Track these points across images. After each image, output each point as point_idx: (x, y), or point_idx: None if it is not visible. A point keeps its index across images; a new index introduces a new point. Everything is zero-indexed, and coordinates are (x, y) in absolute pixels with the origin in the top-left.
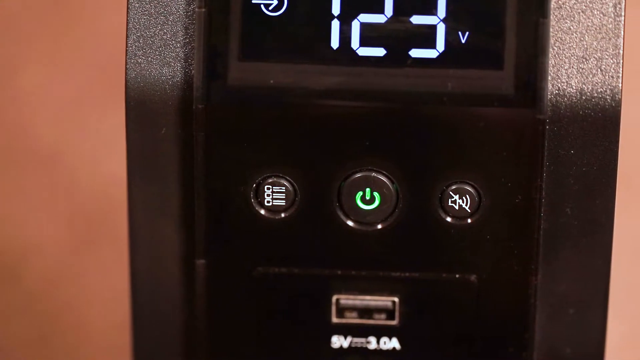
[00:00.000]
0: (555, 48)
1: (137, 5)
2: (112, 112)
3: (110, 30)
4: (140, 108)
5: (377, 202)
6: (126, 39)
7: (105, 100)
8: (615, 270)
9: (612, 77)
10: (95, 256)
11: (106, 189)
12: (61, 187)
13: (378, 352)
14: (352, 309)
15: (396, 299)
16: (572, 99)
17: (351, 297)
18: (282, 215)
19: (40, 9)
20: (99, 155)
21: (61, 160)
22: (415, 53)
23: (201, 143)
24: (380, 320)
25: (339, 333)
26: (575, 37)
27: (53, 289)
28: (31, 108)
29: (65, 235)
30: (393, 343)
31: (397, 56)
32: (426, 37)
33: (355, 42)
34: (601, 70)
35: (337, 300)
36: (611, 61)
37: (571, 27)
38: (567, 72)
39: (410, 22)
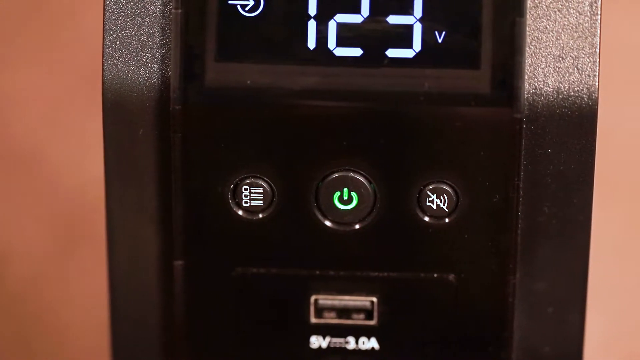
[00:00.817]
0: (532, 47)
1: (113, 6)
2: (95, 113)
3: (93, 32)
4: (118, 109)
5: (354, 202)
6: (103, 41)
7: (87, 101)
8: (594, 268)
9: (589, 75)
10: (77, 258)
11: (88, 191)
12: (43, 189)
13: (357, 352)
14: (331, 309)
15: (375, 299)
16: (549, 98)
17: (330, 297)
18: (260, 215)
19: (22, 11)
20: (81, 157)
21: (43, 162)
22: (392, 53)
23: (178, 144)
24: (358, 320)
25: (317, 333)
26: (552, 36)
27: (35, 291)
28: (13, 110)
29: (47, 237)
30: (372, 343)
31: (373, 56)
32: (403, 36)
33: (331, 43)
34: (578, 69)
35: (316, 300)
36: (588, 60)
37: (547, 26)
38: (544, 71)
39: (387, 22)
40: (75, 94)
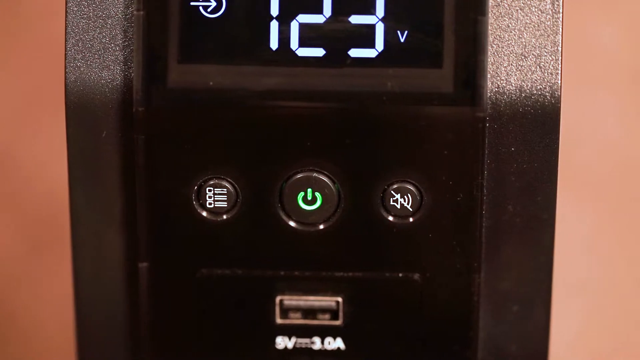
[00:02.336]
0: (494, 46)
1: (75, 9)
2: (63, 116)
3: (62, 34)
4: (80, 112)
5: (318, 203)
6: (65, 43)
7: (56, 103)
8: (561, 267)
9: (551, 74)
10: (48, 259)
11: (58, 193)
12: (13, 192)
13: (323, 352)
14: (296, 309)
15: (340, 299)
16: (511, 97)
17: (295, 297)
18: (224, 217)
19: None
20: (51, 159)
21: (12, 165)
22: (354, 53)
23: (142, 146)
24: (324, 320)
25: (283, 334)
26: (514, 35)
27: (7, 292)
28: None
29: (18, 240)
30: (337, 343)
31: (336, 56)
32: (365, 36)
33: (294, 43)
34: (540, 67)
35: (281, 301)
36: (550, 58)
37: (510, 25)
38: (507, 70)
39: (349, 22)
40: (44, 96)
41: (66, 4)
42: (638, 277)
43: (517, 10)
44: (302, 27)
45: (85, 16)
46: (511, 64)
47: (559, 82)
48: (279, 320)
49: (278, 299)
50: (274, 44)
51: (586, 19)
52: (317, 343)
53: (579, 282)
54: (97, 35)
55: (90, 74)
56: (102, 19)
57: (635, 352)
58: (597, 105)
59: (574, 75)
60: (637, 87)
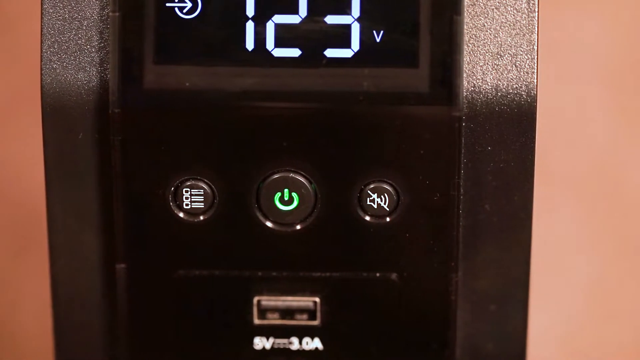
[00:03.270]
0: (470, 45)
1: (51, 10)
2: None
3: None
4: (57, 113)
5: (295, 203)
6: (41, 45)
7: (36, 105)
8: (539, 266)
9: (527, 73)
10: (29, 262)
11: (38, 195)
12: None
13: (300, 352)
14: (274, 310)
15: (317, 299)
16: (487, 96)
17: (272, 298)
18: (201, 217)
19: None
20: (31, 162)
21: None
22: (330, 53)
23: (118, 147)
24: (302, 320)
25: (261, 334)
26: (490, 34)
27: None
28: None
29: None
30: (315, 343)
31: (312, 56)
32: (341, 36)
33: (270, 43)
34: (516, 66)
35: (259, 301)
36: (526, 57)
37: (485, 24)
38: (482, 69)
39: (325, 22)
40: (22, 98)
41: (42, 6)
42: (623, 275)
43: (492, 9)
44: (278, 27)
45: (60, 18)
46: (487, 63)
47: (535, 81)
48: (256, 321)
49: (255, 299)
50: (249, 44)
51: (566, 14)
52: (295, 343)
53: (556, 280)
54: (73, 37)
55: (67, 76)
56: (78, 21)
57: (619, 350)
58: (577, 102)
59: (555, 72)
60: (618, 83)
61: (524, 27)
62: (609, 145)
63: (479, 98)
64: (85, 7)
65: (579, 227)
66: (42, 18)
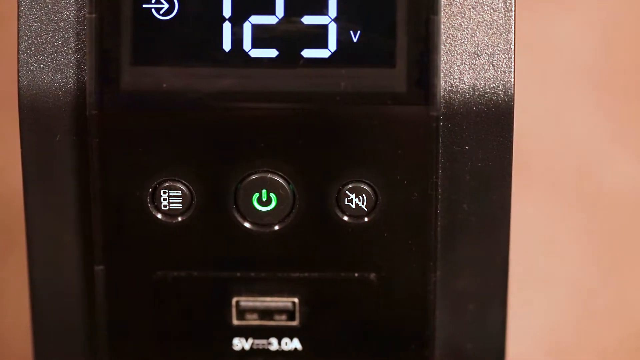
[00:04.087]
0: (447, 45)
1: (27, 12)
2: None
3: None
4: (34, 115)
5: (273, 203)
6: (17, 46)
7: (13, 107)
8: (519, 263)
9: (504, 72)
10: (11, 264)
11: (15, 198)
12: None
13: (280, 353)
14: (253, 310)
15: (296, 300)
16: (465, 95)
17: (251, 299)
18: (179, 219)
19: None
20: (15, 161)
21: None
22: (307, 53)
23: (96, 149)
24: (281, 321)
25: (240, 335)
26: (467, 34)
27: None
28: None
29: None
30: (294, 344)
31: (289, 57)
32: (318, 37)
33: (247, 44)
34: (493, 65)
35: (237, 302)
36: (503, 56)
37: (462, 24)
38: (460, 69)
39: (302, 23)
40: (1, 100)
41: (18, 8)
42: (605, 274)
43: (469, 9)
44: (255, 28)
45: (37, 19)
46: (464, 63)
47: (512, 80)
48: (235, 322)
49: (234, 300)
50: (226, 45)
51: (543, 16)
52: (274, 344)
53: (536, 277)
54: (49, 39)
55: (44, 78)
56: (55, 22)
57: (602, 349)
58: (558, 101)
59: (535, 71)
60: (598, 82)
61: (501, 27)
62: (589, 144)
63: (456, 97)
64: (62, 9)
65: (561, 226)
66: (18, 20)
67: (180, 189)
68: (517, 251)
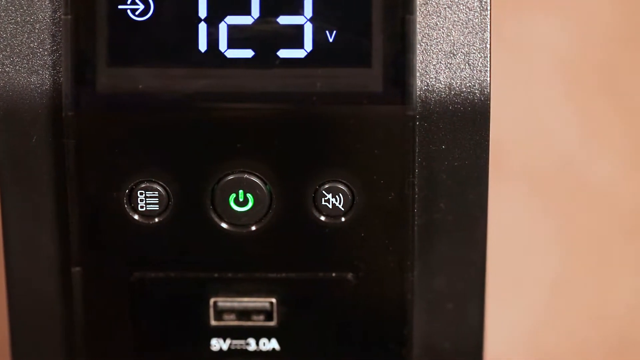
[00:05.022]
0: (423, 44)
1: (3, 14)
2: None
3: None
4: (10, 117)
5: (250, 204)
6: None
7: None
8: (499, 264)
9: (480, 71)
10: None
11: None
12: None
13: (258, 353)
14: (231, 311)
15: (274, 300)
16: (441, 95)
17: (229, 299)
18: (156, 219)
19: None
20: None
21: None
22: (283, 53)
23: (72, 150)
24: (258, 321)
25: (218, 336)
26: (443, 33)
27: None
28: None
29: None
30: (272, 344)
31: (265, 57)
32: (294, 37)
33: (223, 45)
34: (469, 64)
35: (215, 303)
36: (479, 55)
37: (438, 23)
38: (436, 68)
39: (278, 23)
40: None
41: None
42: (578, 270)
43: (445, 8)
44: (231, 28)
45: (12, 21)
46: (440, 62)
47: (488, 79)
48: (213, 322)
49: (212, 300)
50: (202, 46)
51: (523, 13)
52: (252, 344)
53: (516, 278)
54: (25, 40)
55: (19, 79)
56: (30, 24)
57: (575, 346)
58: (536, 100)
59: (515, 70)
60: (577, 80)
61: (477, 26)
62: (567, 141)
63: (433, 97)
64: (37, 11)
65: (539, 223)
66: None
67: (157, 189)
68: (496, 250)
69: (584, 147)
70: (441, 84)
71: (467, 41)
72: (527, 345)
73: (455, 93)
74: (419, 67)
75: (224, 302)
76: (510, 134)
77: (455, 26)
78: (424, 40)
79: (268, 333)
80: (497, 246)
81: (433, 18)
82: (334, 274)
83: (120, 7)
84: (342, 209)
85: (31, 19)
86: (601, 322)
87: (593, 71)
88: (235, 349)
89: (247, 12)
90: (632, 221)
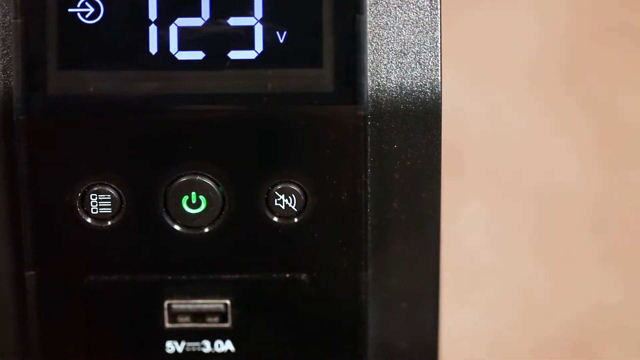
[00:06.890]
0: (374, 44)
1: None
2: None
3: None
4: None
5: (203, 206)
6: None
7: None
8: (458, 262)
9: (431, 70)
10: None
11: None
12: None
13: (213, 355)
14: (185, 313)
15: (228, 302)
16: (392, 94)
17: (183, 301)
18: (109, 223)
19: None
20: None
21: None
22: (234, 55)
23: (23, 154)
24: (213, 323)
25: (172, 338)
26: (393, 32)
27: None
28: None
29: None
30: (227, 346)
31: (216, 59)
32: (244, 38)
33: (173, 47)
34: (420, 64)
35: (169, 305)
36: (429, 54)
37: (388, 23)
38: (387, 67)
39: (228, 24)
40: None
41: None
42: (540, 268)
43: (395, 7)
44: (181, 30)
45: None
46: (391, 62)
47: (439, 78)
48: (168, 325)
49: (166, 303)
50: (153, 48)
51: (482, 10)
52: (207, 346)
53: (475, 275)
54: None
55: None
56: None
57: (537, 343)
58: (494, 97)
59: (474, 68)
60: (537, 78)
61: (427, 25)
62: (530, 139)
63: (384, 96)
64: None
65: (501, 220)
66: None
67: (109, 192)
68: (456, 247)
69: (547, 143)
70: (392, 83)
71: (418, 40)
72: (489, 343)
73: (406, 92)
74: (370, 66)
75: (178, 304)
76: (472, 132)
77: (405, 25)
78: (374, 40)
79: (223, 335)
80: (459, 245)
81: (383, 18)
82: (287, 275)
83: (70, 10)
84: (295, 210)
85: None
86: (563, 319)
87: (556, 68)
88: (190, 351)
89: (198, 13)
90: (594, 219)
